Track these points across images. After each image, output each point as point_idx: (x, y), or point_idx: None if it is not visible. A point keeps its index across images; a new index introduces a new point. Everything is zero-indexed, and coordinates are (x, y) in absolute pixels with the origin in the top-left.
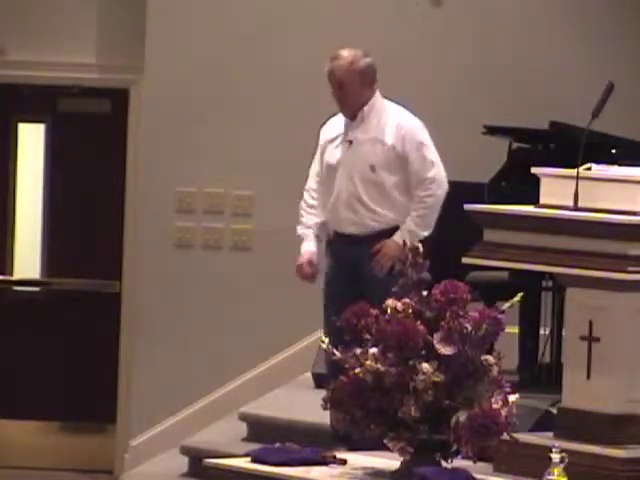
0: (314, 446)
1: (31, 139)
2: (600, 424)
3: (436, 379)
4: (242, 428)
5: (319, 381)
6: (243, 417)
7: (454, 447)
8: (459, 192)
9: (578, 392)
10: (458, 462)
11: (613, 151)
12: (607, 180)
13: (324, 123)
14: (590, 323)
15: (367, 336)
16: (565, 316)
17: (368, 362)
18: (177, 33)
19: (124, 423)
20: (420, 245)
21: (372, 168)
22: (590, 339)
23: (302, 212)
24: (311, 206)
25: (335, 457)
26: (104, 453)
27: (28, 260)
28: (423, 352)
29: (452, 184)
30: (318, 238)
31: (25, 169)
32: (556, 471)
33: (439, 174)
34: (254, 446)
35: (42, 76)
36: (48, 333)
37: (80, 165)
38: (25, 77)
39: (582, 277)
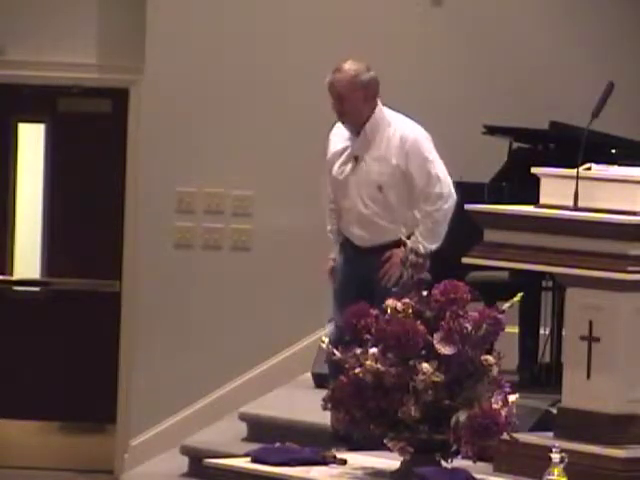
0: (314, 446)
1: (31, 139)
2: (600, 424)
3: (436, 379)
4: (242, 428)
5: (319, 381)
6: (243, 417)
7: (454, 447)
8: (459, 192)
9: (578, 392)
10: (458, 462)
11: (613, 151)
12: (607, 180)
13: (332, 126)
14: (590, 323)
15: (367, 336)
16: (565, 316)
17: (368, 362)
18: (177, 33)
19: (124, 423)
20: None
21: (379, 188)
22: (590, 339)
23: (329, 218)
24: (334, 210)
25: (335, 457)
26: (104, 453)
27: (28, 260)
28: (423, 352)
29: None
30: None
31: (25, 169)
32: (556, 471)
33: (446, 188)
34: (254, 446)
35: (42, 76)
36: (48, 333)
37: (80, 165)
38: (25, 77)
39: (582, 277)
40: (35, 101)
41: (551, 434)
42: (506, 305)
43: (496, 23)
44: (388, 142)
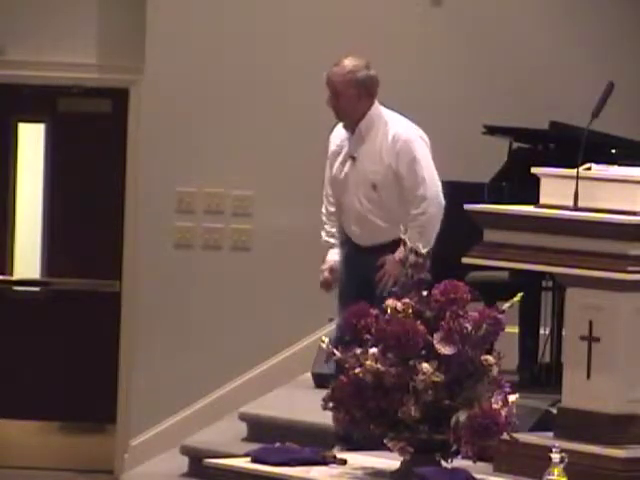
0: (314, 446)
1: (31, 139)
2: (600, 424)
3: (436, 379)
4: (242, 428)
5: (319, 381)
6: (243, 417)
7: (454, 447)
8: (459, 192)
9: (578, 392)
10: (458, 462)
11: (613, 151)
12: (607, 180)
13: (333, 127)
14: (590, 323)
15: (367, 336)
16: (565, 316)
17: (368, 362)
18: (177, 33)
19: (124, 423)
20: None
21: (374, 187)
22: (590, 339)
23: (324, 219)
24: (331, 213)
25: (335, 457)
26: (104, 453)
27: (28, 260)
28: (423, 352)
29: (452, 184)
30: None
31: (25, 169)
32: (556, 471)
33: (430, 191)
34: (254, 446)
35: (42, 76)
36: (48, 333)
37: (80, 165)
38: (25, 77)
39: (582, 277)
40: (35, 101)
41: (551, 434)
42: (506, 305)
43: (496, 23)
44: (382, 141)
